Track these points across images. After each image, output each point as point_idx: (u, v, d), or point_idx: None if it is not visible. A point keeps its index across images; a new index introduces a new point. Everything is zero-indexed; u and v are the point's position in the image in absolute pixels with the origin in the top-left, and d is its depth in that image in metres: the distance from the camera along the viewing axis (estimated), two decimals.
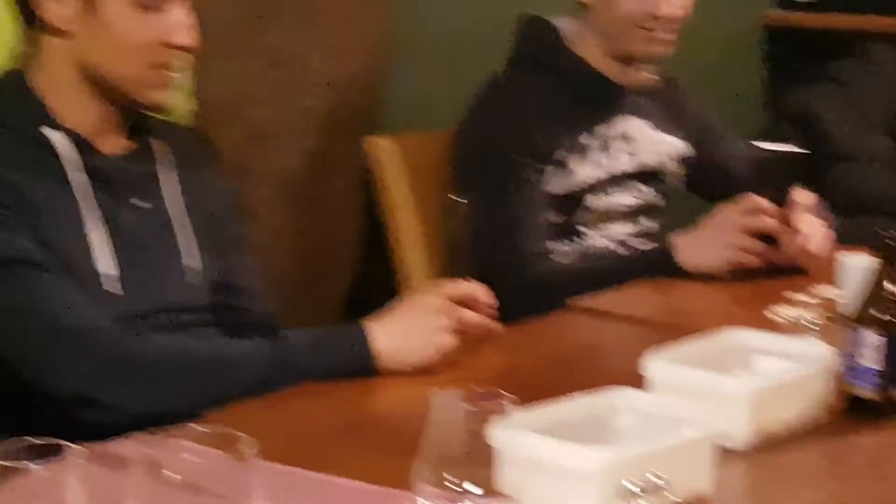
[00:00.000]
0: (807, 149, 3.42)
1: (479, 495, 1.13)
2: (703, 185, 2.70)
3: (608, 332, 2.12)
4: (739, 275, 2.33)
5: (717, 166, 2.68)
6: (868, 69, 3.63)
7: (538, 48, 2.56)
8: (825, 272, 2.23)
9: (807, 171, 3.39)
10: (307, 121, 2.74)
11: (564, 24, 2.57)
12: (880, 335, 1.67)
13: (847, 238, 2.52)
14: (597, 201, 2.52)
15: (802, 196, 2.39)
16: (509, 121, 2.47)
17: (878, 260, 1.72)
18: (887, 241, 1.72)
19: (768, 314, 2.09)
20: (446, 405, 1.15)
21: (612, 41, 2.51)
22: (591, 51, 2.53)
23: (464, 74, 2.61)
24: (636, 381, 1.59)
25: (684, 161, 2.65)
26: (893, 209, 3.38)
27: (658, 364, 1.61)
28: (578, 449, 1.27)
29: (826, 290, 2.19)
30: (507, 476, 1.15)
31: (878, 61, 3.65)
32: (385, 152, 2.59)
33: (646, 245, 2.54)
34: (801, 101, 3.54)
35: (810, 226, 2.38)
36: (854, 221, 3.31)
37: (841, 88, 3.57)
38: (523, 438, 1.23)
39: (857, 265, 1.99)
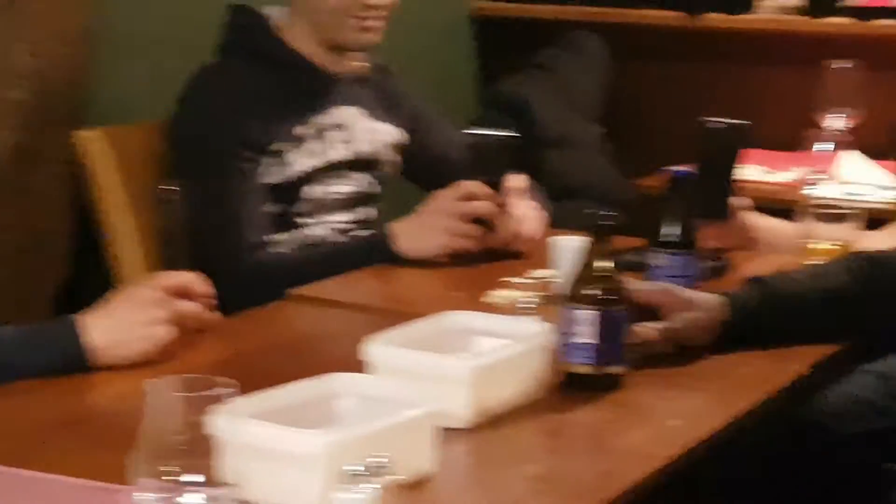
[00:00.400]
0: (519, 136, 3.51)
1: (199, 486, 1.10)
2: (418, 172, 2.72)
3: (329, 319, 2.11)
4: (457, 260, 2.36)
5: (431, 153, 2.70)
6: (575, 57, 3.72)
7: (248, 38, 2.53)
8: (539, 255, 2.27)
9: (519, 158, 3.46)
10: (11, 114, 2.63)
11: (274, 13, 2.55)
12: (592, 311, 1.71)
13: (559, 222, 2.58)
14: (314, 191, 2.51)
15: (515, 181, 2.43)
16: (221, 112, 2.43)
17: (587, 239, 1.76)
18: (596, 219, 1.75)
19: (486, 298, 2.12)
20: (161, 395, 1.11)
21: (322, 30, 2.50)
22: (302, 40, 2.52)
23: (173, 65, 2.55)
24: (359, 367, 1.59)
25: (399, 148, 2.67)
26: (602, 193, 3.49)
27: (378, 348, 1.61)
28: (297, 434, 1.25)
29: (541, 272, 2.24)
30: (227, 465, 1.12)
31: (584, 50, 3.75)
32: (93, 145, 2.51)
33: (364, 233, 2.54)
34: (511, 89, 3.61)
35: (524, 210, 2.42)
36: (565, 205, 3.40)
37: (549, 76, 3.66)
38: (242, 425, 1.21)
39: (569, 246, 2.04)
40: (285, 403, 1.33)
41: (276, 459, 1.24)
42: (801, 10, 3.52)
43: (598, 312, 1.71)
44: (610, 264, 1.73)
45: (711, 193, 2.25)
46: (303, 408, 1.35)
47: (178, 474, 1.10)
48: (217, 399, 1.14)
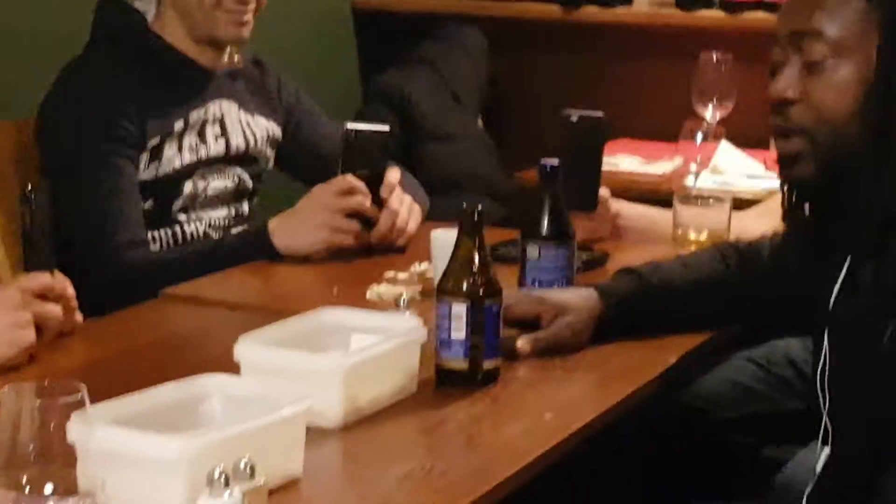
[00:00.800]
0: (401, 129, 3.51)
1: (57, 495, 1.08)
2: (295, 166, 2.70)
3: (204, 319, 2.08)
4: (336, 255, 2.34)
5: (307, 147, 2.68)
6: (455, 50, 3.73)
7: (118, 32, 2.49)
8: (420, 248, 2.27)
9: (401, 151, 3.47)
10: None
11: (147, 7, 2.51)
12: (465, 305, 1.71)
13: (441, 214, 2.58)
14: (192, 187, 2.48)
15: (395, 175, 2.42)
16: (91, 107, 2.39)
17: (461, 231, 1.76)
18: (466, 213, 1.75)
19: (367, 294, 2.12)
20: (16, 402, 1.08)
21: (192, 24, 2.46)
22: (174, 34, 2.48)
23: (45, 60, 2.50)
24: (233, 368, 1.57)
25: (276, 143, 2.64)
26: (484, 185, 3.50)
27: (249, 347, 1.59)
28: (157, 439, 1.22)
29: (422, 266, 2.24)
30: (87, 473, 1.10)
31: (464, 42, 3.75)
32: None
33: (242, 229, 2.51)
34: (392, 82, 3.60)
35: (403, 204, 2.42)
36: (446, 198, 3.41)
37: (430, 69, 3.65)
38: (101, 431, 1.18)
39: (447, 240, 2.03)
40: (149, 407, 1.31)
41: (137, 466, 1.22)
42: (675, 4, 3.55)
43: (470, 306, 1.71)
44: (481, 257, 1.73)
45: (577, 185, 2.26)
46: (168, 412, 1.32)
47: (35, 484, 1.07)
48: (76, 405, 1.11)
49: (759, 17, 3.44)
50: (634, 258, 2.22)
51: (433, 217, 2.59)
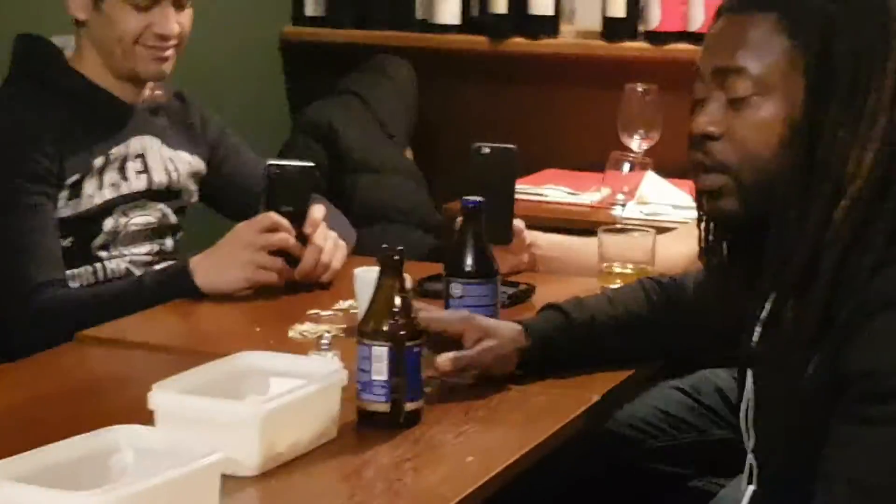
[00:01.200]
0: (330, 161, 3.49)
1: None
2: (221, 201, 2.68)
3: (122, 362, 2.05)
4: (260, 293, 2.32)
5: (234, 182, 2.66)
6: (383, 82, 3.72)
7: (37, 68, 2.46)
8: (345, 285, 2.25)
9: (329, 183, 3.45)
10: None
11: (67, 43, 2.48)
12: (385, 347, 1.69)
13: (370, 246, 2.57)
14: (113, 223, 2.44)
15: (319, 211, 2.41)
16: (11, 144, 2.36)
17: (381, 272, 1.74)
18: (388, 254, 1.74)
19: (291, 333, 2.10)
20: None
21: (112, 60, 2.44)
22: (94, 70, 2.45)
23: None
24: (150, 415, 1.54)
25: (200, 178, 2.62)
26: (413, 218, 3.49)
27: (164, 395, 1.56)
28: (64, 496, 1.19)
29: (346, 303, 2.22)
30: None
31: (392, 74, 3.74)
32: None
33: (164, 266, 2.48)
34: (320, 114, 3.58)
35: (328, 240, 2.40)
36: (376, 230, 3.40)
37: (358, 101, 3.64)
38: (3, 490, 1.14)
39: (370, 278, 2.01)
40: (55, 462, 1.27)
41: None
42: (600, 35, 3.56)
43: (391, 348, 1.69)
44: (402, 299, 1.72)
45: (491, 218, 2.25)
46: (75, 466, 1.29)
47: None
48: None
49: (683, 48, 3.46)
50: (559, 291, 2.22)
51: (362, 249, 2.58)
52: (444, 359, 1.81)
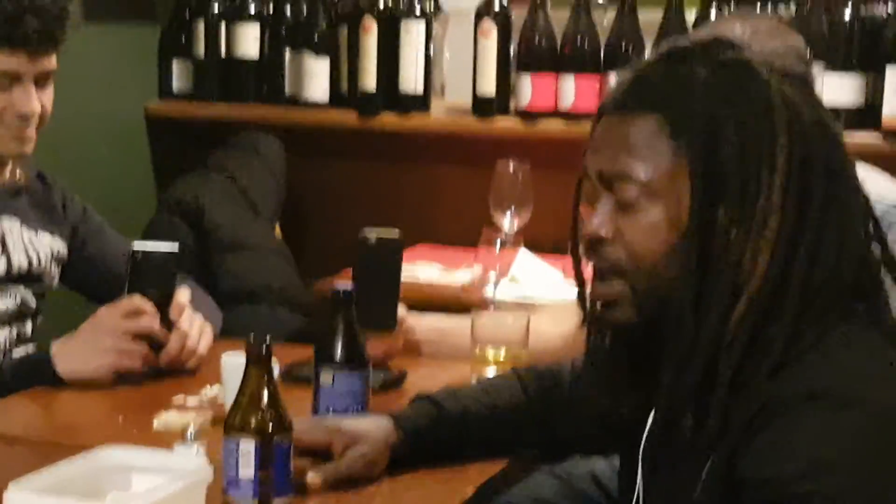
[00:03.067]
0: (196, 240, 3.43)
1: None
2: (84, 284, 2.63)
3: None
4: (124, 380, 2.25)
5: (96, 265, 2.61)
6: (251, 158, 3.67)
7: None
8: (211, 370, 2.20)
9: (196, 262, 3.39)
10: None
11: None
12: (253, 441, 1.65)
13: (237, 328, 2.52)
14: None
15: (184, 295, 2.36)
16: None
17: (248, 363, 1.70)
18: (255, 344, 1.69)
19: (156, 422, 2.04)
20: None
21: None
22: None
23: None
24: None
25: (62, 260, 2.56)
26: (282, 297, 3.44)
27: (20, 495, 1.49)
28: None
29: (213, 390, 2.17)
30: None
31: (261, 151, 3.70)
32: None
33: (25, 352, 2.40)
34: (186, 192, 3.52)
35: (194, 325, 2.35)
36: (244, 310, 3.34)
37: (225, 178, 3.59)
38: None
39: (238, 364, 1.96)
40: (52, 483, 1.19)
41: None
42: (472, 111, 3.56)
43: (259, 443, 1.65)
44: (270, 391, 1.67)
45: (374, 304, 2.24)
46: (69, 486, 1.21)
47: None
48: None
49: (554, 125, 3.48)
50: (432, 376, 2.19)
51: (231, 329, 2.54)
52: (314, 475, 1.77)
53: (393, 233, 2.33)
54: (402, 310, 2.37)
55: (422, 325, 2.43)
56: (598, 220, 1.55)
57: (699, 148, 1.49)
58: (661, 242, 1.50)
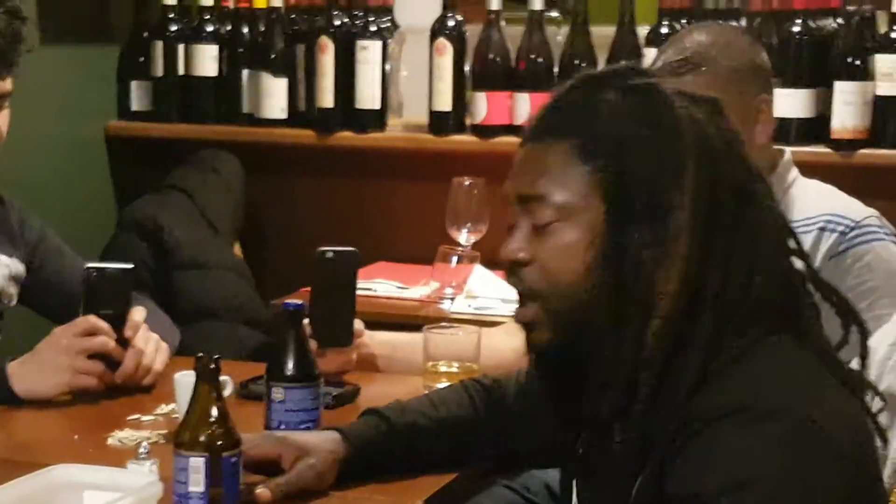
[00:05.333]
0: (155, 259, 3.44)
1: None
2: (41, 304, 2.62)
3: None
4: (80, 399, 2.26)
5: (54, 285, 2.60)
6: (209, 177, 3.69)
7: None
8: (167, 388, 2.21)
9: (155, 280, 3.40)
10: None
11: None
12: (202, 458, 1.66)
13: (196, 346, 2.53)
14: None
15: (139, 313, 2.37)
16: None
17: (197, 380, 1.71)
18: (204, 362, 1.71)
19: (111, 440, 2.05)
20: None
21: None
22: None
23: None
24: None
25: (19, 280, 2.56)
26: (240, 315, 3.45)
27: None
28: None
29: (167, 408, 2.18)
30: None
31: (219, 169, 3.72)
32: None
33: None
34: (145, 211, 3.53)
35: (149, 342, 2.36)
36: (202, 328, 3.35)
37: (183, 196, 3.60)
38: None
39: (190, 382, 1.98)
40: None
41: None
42: (428, 128, 3.59)
43: (208, 459, 1.66)
44: (219, 407, 1.69)
45: (332, 321, 2.26)
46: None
47: None
48: None
49: (509, 141, 3.50)
50: (385, 391, 2.20)
51: (189, 348, 2.53)
52: (264, 488, 1.78)
53: (349, 250, 2.35)
54: (358, 325, 2.39)
55: (375, 340, 2.45)
56: (515, 243, 1.58)
57: (609, 171, 1.52)
58: (577, 264, 1.53)
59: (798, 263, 1.57)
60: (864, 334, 1.59)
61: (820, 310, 1.57)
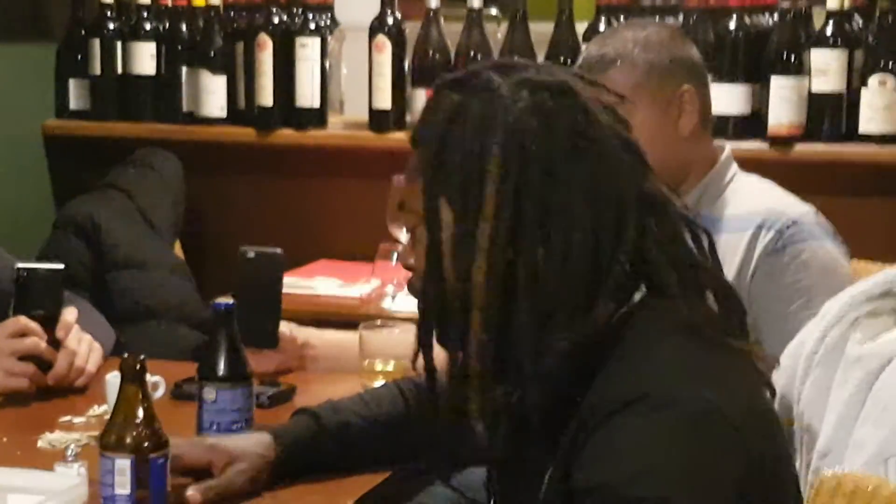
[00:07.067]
0: (93, 258, 3.41)
1: None
2: None
3: None
4: (11, 400, 2.24)
5: None
6: (147, 175, 3.66)
7: None
8: (100, 390, 2.19)
9: (92, 279, 3.37)
10: None
11: None
12: (128, 459, 1.65)
13: (135, 346, 2.51)
14: None
15: (71, 314, 2.35)
16: None
17: (122, 380, 1.70)
18: (129, 362, 1.69)
19: (41, 442, 2.03)
20: None
21: None
22: None
23: None
24: None
25: None
26: (179, 315, 3.42)
27: None
28: None
29: (99, 410, 2.17)
30: None
31: (158, 168, 3.69)
32: None
33: None
34: (81, 210, 3.49)
35: (82, 343, 2.34)
36: (141, 328, 3.33)
37: (121, 196, 3.57)
38: None
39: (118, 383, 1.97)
40: None
41: None
42: (368, 126, 3.57)
43: (134, 461, 1.65)
44: (145, 408, 1.67)
45: (257, 321, 2.26)
46: None
47: None
48: None
49: None
50: (322, 391, 2.19)
51: (129, 347, 2.48)
52: (195, 491, 1.77)
53: (274, 250, 2.34)
54: (288, 326, 2.38)
55: (322, 339, 2.44)
56: (405, 250, 1.64)
57: (430, 167, 1.53)
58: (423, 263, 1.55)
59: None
60: (742, 311, 1.58)
61: (699, 281, 1.55)
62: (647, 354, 1.47)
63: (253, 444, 1.85)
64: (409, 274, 1.62)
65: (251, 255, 2.31)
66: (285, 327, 2.38)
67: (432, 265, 1.53)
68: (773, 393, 1.59)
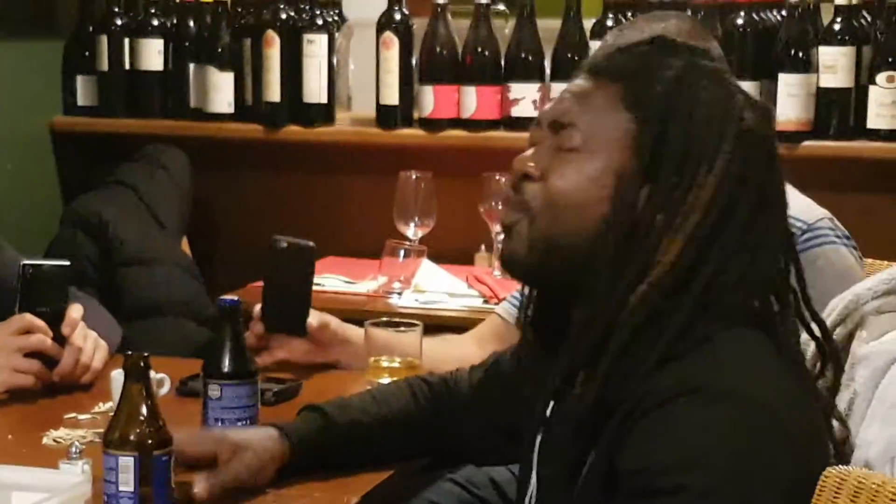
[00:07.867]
0: (100, 255, 3.41)
1: None
2: None
3: None
4: (17, 397, 2.23)
5: None
6: (155, 172, 3.66)
7: None
8: (106, 387, 2.19)
9: (100, 276, 3.37)
10: None
11: None
12: (132, 457, 1.65)
13: (142, 343, 2.51)
14: None
15: (77, 311, 2.34)
16: None
17: (126, 377, 1.70)
18: (133, 360, 1.69)
19: (45, 440, 2.03)
20: None
21: None
22: None
23: None
24: None
25: None
26: (187, 311, 3.43)
27: None
28: None
29: (104, 407, 2.16)
30: None
31: (166, 164, 3.69)
32: None
33: None
34: (90, 206, 3.50)
35: (88, 340, 2.34)
36: (149, 324, 3.33)
37: (129, 192, 3.58)
38: None
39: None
40: None
41: None
42: (375, 122, 3.57)
43: (137, 458, 1.65)
44: (149, 405, 1.67)
45: (286, 310, 2.29)
46: None
47: None
48: None
49: (456, 135, 3.49)
50: (329, 387, 2.19)
51: (136, 343, 2.50)
52: (200, 485, 1.76)
53: (305, 244, 2.35)
54: (314, 317, 2.37)
55: (345, 336, 2.42)
56: (532, 157, 1.58)
57: (650, 127, 1.52)
58: (583, 198, 1.53)
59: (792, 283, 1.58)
60: (838, 370, 1.62)
61: (799, 334, 1.58)
62: (722, 350, 1.47)
63: (260, 437, 1.84)
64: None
65: (283, 244, 2.33)
66: (332, 321, 2.38)
67: (608, 212, 1.51)
68: (835, 444, 1.59)
